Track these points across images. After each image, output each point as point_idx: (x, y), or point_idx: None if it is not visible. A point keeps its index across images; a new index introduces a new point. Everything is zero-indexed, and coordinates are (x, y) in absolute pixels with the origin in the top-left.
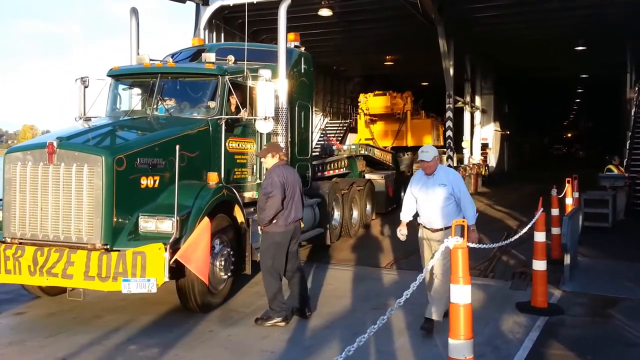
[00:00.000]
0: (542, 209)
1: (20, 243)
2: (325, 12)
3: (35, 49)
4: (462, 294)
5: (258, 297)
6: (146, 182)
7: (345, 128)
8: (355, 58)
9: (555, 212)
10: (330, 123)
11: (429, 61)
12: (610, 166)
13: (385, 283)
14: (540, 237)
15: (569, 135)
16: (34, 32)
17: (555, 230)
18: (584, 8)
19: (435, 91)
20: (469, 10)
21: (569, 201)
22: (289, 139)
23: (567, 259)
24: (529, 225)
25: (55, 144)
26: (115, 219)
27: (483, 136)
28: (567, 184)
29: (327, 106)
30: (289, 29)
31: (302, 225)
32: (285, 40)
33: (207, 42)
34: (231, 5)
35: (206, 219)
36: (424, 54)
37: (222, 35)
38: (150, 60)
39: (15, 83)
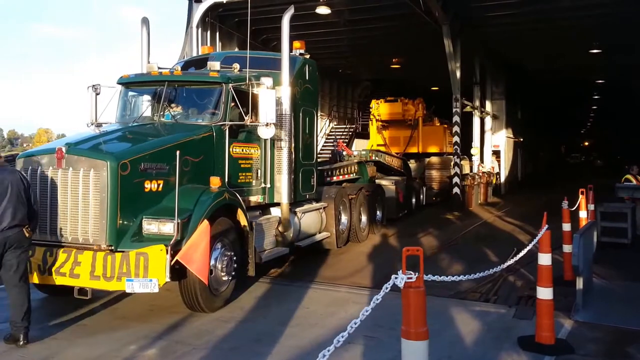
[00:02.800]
0: (546, 226)
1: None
2: (323, 10)
3: (51, 53)
4: (417, 353)
5: (236, 311)
6: (150, 185)
7: (351, 133)
8: (360, 61)
9: (566, 227)
10: (336, 128)
11: (438, 65)
12: (629, 176)
13: (373, 308)
14: (545, 259)
15: (586, 143)
16: (49, 37)
17: (566, 248)
18: (599, 7)
19: (446, 96)
20: (476, 8)
21: (583, 214)
22: (293, 145)
23: (580, 284)
24: (529, 247)
25: (64, 149)
26: (119, 221)
27: (494, 143)
28: (580, 195)
29: (332, 110)
30: (291, 28)
31: (29, 233)
32: (288, 49)
33: (200, 40)
34: (224, 2)
35: (205, 222)
36: (432, 57)
37: (217, 34)
38: (159, 68)
39: (31, 87)
